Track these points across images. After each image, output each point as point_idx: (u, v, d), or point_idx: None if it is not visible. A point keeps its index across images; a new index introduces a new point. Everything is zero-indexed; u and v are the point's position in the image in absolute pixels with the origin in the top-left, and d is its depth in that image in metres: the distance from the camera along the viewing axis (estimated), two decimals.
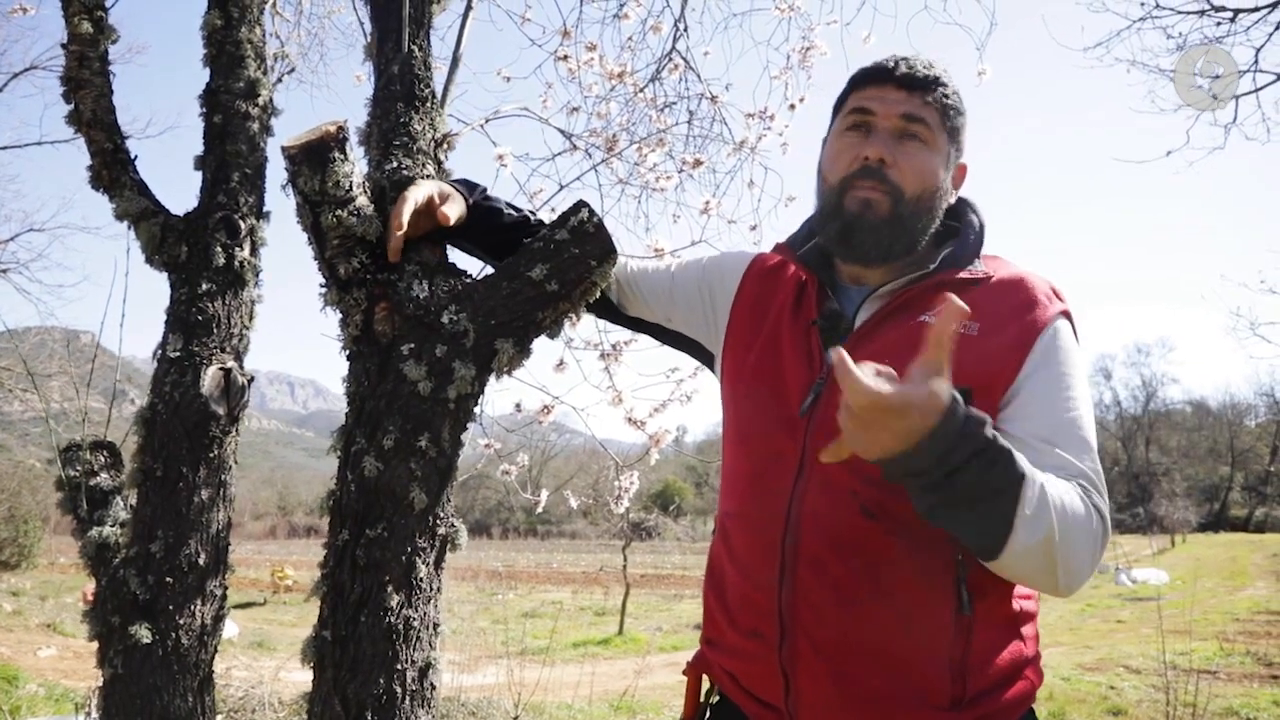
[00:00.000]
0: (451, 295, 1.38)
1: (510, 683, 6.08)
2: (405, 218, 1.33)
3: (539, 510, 2.55)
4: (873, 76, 1.27)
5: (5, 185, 32.16)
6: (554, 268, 1.37)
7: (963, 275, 1.24)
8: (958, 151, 1.30)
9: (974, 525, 1.02)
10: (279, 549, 38.66)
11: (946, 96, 1.25)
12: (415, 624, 1.34)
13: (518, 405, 2.57)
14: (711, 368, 1.51)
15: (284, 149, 1.29)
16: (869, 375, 0.94)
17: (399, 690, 1.32)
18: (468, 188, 1.46)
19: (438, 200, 1.38)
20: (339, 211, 1.30)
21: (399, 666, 1.32)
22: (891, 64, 1.26)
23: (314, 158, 1.28)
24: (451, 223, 1.38)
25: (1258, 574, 20.36)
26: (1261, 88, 5.61)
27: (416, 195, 1.35)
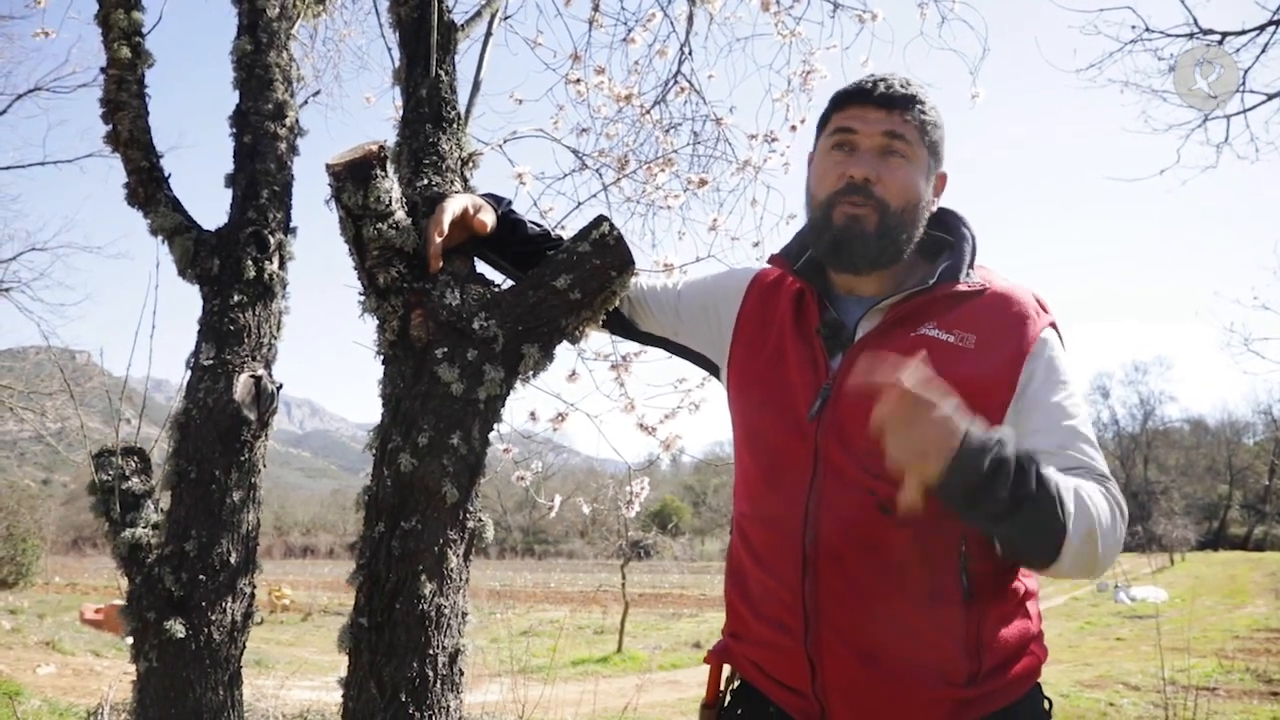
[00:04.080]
0: (482, 303, 1.47)
1: (515, 699, 6.11)
2: (445, 225, 1.43)
3: (551, 515, 2.63)
4: (853, 97, 1.35)
5: (8, 205, 32.51)
6: (577, 278, 1.46)
7: (960, 288, 1.32)
8: (937, 163, 1.37)
9: (1036, 533, 1.10)
10: (275, 568, 38.44)
11: (924, 113, 1.33)
12: (446, 612, 1.42)
13: (533, 414, 2.66)
14: (718, 377, 1.59)
15: (329, 166, 1.39)
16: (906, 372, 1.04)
17: (431, 674, 1.40)
18: (494, 200, 1.56)
19: (471, 211, 1.48)
20: (379, 225, 1.40)
21: (431, 651, 1.40)
22: (870, 84, 1.33)
23: (357, 175, 1.38)
24: (488, 230, 1.48)
25: (1257, 592, 20.36)
26: (1250, 108, 5.73)
27: (453, 207, 1.45)
